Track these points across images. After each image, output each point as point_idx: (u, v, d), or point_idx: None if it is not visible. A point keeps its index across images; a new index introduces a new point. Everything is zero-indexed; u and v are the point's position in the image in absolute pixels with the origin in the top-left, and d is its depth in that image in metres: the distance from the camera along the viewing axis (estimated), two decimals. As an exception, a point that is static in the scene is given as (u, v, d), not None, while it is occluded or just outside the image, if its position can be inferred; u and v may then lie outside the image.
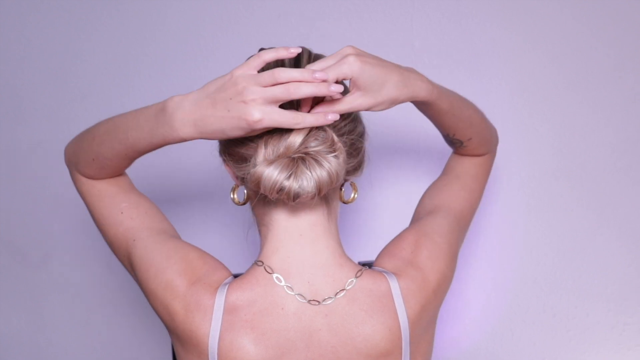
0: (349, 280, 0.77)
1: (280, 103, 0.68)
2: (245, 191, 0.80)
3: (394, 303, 0.77)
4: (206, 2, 1.42)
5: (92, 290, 1.56)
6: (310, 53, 0.78)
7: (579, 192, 1.28)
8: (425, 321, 0.81)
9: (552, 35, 1.27)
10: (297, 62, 0.76)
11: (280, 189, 0.69)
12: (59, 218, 1.56)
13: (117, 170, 0.84)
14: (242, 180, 0.78)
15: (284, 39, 1.35)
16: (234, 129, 0.69)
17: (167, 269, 0.77)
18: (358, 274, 0.77)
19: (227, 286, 0.76)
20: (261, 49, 0.79)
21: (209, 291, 0.75)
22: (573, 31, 1.26)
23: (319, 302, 0.76)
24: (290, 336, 0.75)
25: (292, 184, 0.69)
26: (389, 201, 1.37)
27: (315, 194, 0.70)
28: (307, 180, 0.69)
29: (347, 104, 0.72)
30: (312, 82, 0.68)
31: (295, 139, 0.70)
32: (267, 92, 0.67)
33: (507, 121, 1.29)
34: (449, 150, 1.31)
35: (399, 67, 0.76)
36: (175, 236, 0.83)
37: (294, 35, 1.37)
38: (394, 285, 0.78)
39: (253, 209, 0.82)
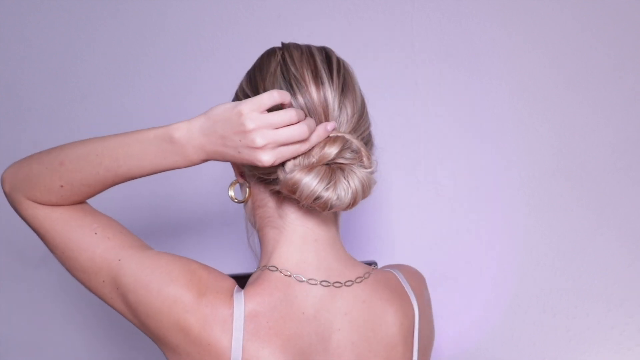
0: (366, 272, 0.78)
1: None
2: (248, 189, 0.78)
3: (406, 292, 0.80)
4: (206, 2, 1.42)
5: (92, 290, 1.56)
6: (338, 60, 0.77)
7: (579, 192, 1.28)
8: (426, 321, 0.83)
9: (552, 35, 1.27)
10: (329, 61, 0.75)
11: (318, 198, 0.69)
12: (59, 218, 1.56)
13: (92, 195, 0.77)
14: (260, 180, 0.76)
15: (284, 39, 1.35)
16: (245, 164, 0.70)
17: (171, 283, 0.71)
18: (371, 270, 0.80)
19: (242, 293, 0.72)
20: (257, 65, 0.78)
21: (224, 300, 0.71)
22: (573, 31, 1.26)
23: (342, 283, 0.75)
24: (312, 340, 0.73)
25: (330, 195, 0.68)
26: (388, 204, 1.37)
27: (349, 205, 0.70)
28: (344, 191, 0.69)
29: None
30: (317, 132, 0.69)
31: (331, 151, 0.70)
32: (280, 136, 0.66)
33: (507, 121, 1.30)
34: (449, 153, 1.32)
35: None
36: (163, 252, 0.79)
37: (293, 36, 1.36)
38: (401, 277, 0.81)
39: (256, 209, 0.79)
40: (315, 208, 0.70)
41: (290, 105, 0.70)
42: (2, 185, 0.78)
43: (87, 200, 0.79)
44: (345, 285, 0.75)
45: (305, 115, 0.71)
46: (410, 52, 1.32)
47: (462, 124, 1.31)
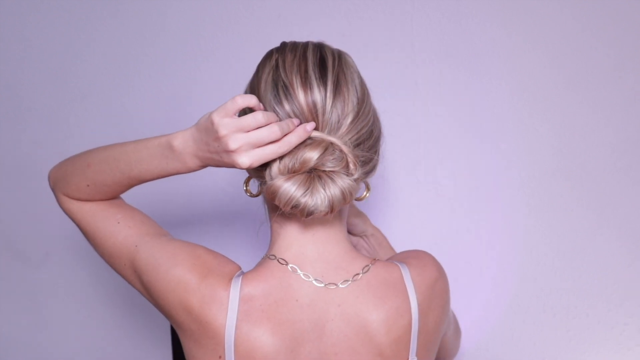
0: (365, 266, 0.79)
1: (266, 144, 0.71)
2: (259, 183, 0.82)
3: (406, 289, 0.80)
4: (206, 2, 1.42)
5: (92, 290, 1.56)
6: (334, 58, 0.79)
7: (579, 192, 1.28)
8: (435, 312, 0.83)
9: (552, 35, 1.27)
10: (322, 63, 0.77)
11: (295, 206, 0.72)
12: (59, 218, 1.55)
13: (114, 195, 0.86)
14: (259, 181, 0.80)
15: (284, 39, 1.35)
16: (227, 167, 0.74)
17: (176, 266, 0.78)
18: (372, 262, 0.80)
19: (240, 278, 0.77)
20: (249, 91, 0.80)
21: (223, 283, 0.76)
22: (573, 31, 1.26)
23: (336, 284, 0.77)
24: (304, 327, 0.76)
25: (307, 201, 0.71)
26: (388, 204, 1.37)
27: (327, 212, 0.73)
28: (321, 199, 0.72)
29: None
30: (295, 132, 0.72)
31: (312, 155, 0.72)
32: (251, 139, 0.70)
33: (507, 121, 1.30)
34: (449, 153, 1.32)
35: None
36: (176, 239, 0.85)
37: (293, 36, 1.36)
38: (405, 272, 0.81)
39: (267, 203, 0.84)
40: (295, 214, 0.73)
41: (259, 108, 0.74)
42: (48, 181, 0.90)
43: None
44: (339, 286, 0.77)
45: (289, 119, 0.73)
46: (410, 52, 1.32)
47: (462, 124, 1.31)
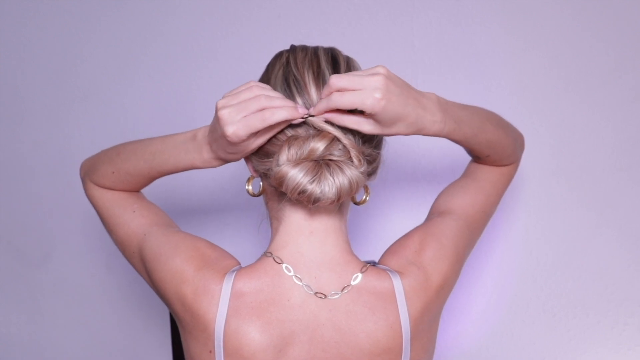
0: (355, 275, 0.79)
1: (252, 113, 0.71)
2: (261, 183, 0.82)
3: (396, 301, 0.78)
4: (206, 3, 1.42)
5: (92, 290, 1.56)
6: (345, 60, 0.79)
7: (579, 192, 1.28)
8: (428, 319, 0.82)
9: (552, 35, 1.27)
10: (334, 61, 0.77)
11: (302, 192, 0.71)
12: (59, 218, 1.56)
13: (134, 188, 0.89)
14: (263, 175, 0.80)
15: (284, 39, 1.35)
16: (226, 149, 0.74)
17: (175, 256, 0.79)
18: (363, 270, 0.79)
19: (234, 273, 0.77)
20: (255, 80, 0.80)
21: (217, 277, 0.77)
22: (573, 31, 1.26)
23: (325, 295, 0.77)
24: (294, 328, 0.76)
25: (314, 188, 0.71)
26: (388, 204, 1.37)
27: (334, 200, 0.72)
28: (328, 186, 0.71)
29: (354, 124, 0.72)
30: (284, 107, 0.71)
31: (318, 146, 0.72)
32: (239, 107, 0.71)
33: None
34: (448, 151, 1.32)
35: (418, 101, 0.74)
36: (183, 232, 0.86)
37: (294, 35, 1.37)
38: (397, 283, 0.79)
39: (268, 202, 0.83)
40: (302, 201, 0.73)
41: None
42: (80, 171, 0.94)
43: None
44: (329, 297, 0.77)
45: (285, 98, 0.73)
46: (410, 52, 1.32)
47: (462, 124, 1.31)
